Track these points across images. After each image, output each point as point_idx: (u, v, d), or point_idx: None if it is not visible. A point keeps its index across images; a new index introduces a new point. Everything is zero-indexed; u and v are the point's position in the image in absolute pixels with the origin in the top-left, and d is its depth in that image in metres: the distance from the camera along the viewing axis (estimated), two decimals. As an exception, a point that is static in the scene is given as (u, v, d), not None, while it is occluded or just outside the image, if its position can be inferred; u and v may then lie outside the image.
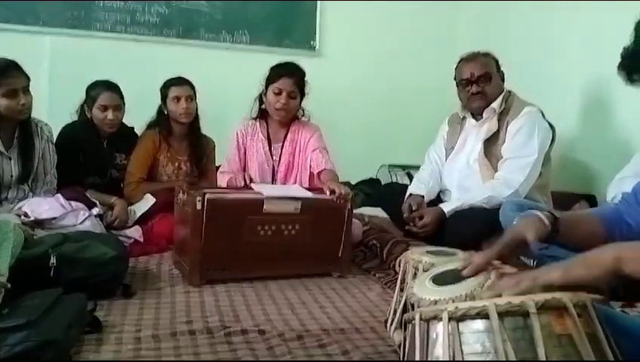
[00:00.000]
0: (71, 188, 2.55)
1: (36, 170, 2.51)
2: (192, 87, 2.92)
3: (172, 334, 1.53)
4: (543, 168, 2.49)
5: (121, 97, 2.80)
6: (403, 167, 3.82)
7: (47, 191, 2.52)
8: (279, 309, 1.80)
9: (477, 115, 2.61)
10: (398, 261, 2.10)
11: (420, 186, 2.68)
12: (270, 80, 2.55)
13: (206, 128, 3.02)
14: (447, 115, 2.84)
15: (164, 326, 1.60)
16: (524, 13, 3.51)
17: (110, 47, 3.54)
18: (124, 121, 2.88)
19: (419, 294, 1.08)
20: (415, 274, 1.37)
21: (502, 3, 3.72)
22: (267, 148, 2.62)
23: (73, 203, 2.39)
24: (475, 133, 2.61)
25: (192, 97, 2.89)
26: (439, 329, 0.88)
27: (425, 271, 1.31)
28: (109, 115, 2.74)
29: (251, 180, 2.46)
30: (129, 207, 2.72)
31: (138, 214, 2.70)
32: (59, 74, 3.43)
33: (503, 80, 2.60)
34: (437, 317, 0.89)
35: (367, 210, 3.16)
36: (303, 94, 2.59)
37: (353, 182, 3.68)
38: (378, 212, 3.03)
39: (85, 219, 2.34)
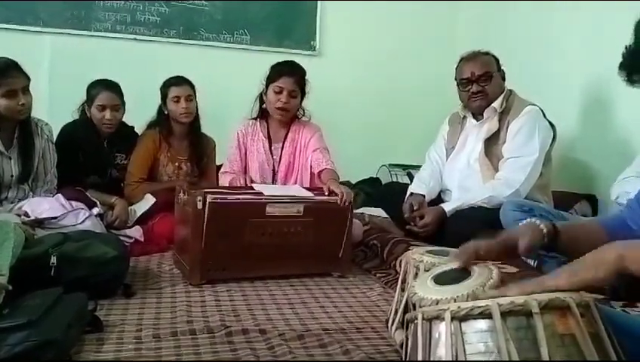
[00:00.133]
0: (71, 187, 2.55)
1: (36, 170, 2.51)
2: (192, 87, 2.92)
3: (173, 334, 1.53)
4: (543, 168, 2.49)
5: (121, 97, 2.80)
6: (403, 167, 3.82)
7: (48, 191, 2.52)
8: (280, 309, 1.80)
9: (477, 114, 2.61)
10: (398, 261, 2.10)
11: (420, 186, 2.67)
12: (271, 79, 2.55)
13: (206, 128, 3.02)
14: (447, 115, 2.83)
15: (164, 325, 1.60)
16: (524, 13, 3.50)
17: (110, 46, 3.54)
18: (124, 120, 2.88)
19: (420, 294, 1.08)
20: (416, 273, 1.36)
21: (502, 3, 3.72)
22: (267, 148, 2.62)
23: (73, 202, 2.39)
24: (475, 132, 2.61)
25: (192, 97, 2.89)
26: (442, 329, 0.88)
27: (426, 270, 1.31)
28: (107, 114, 2.74)
29: (252, 181, 2.46)
30: (129, 207, 2.72)
31: (138, 214, 2.70)
32: (59, 74, 3.42)
33: (503, 79, 2.59)
34: (439, 317, 0.89)
35: (368, 210, 3.16)
36: (303, 93, 2.59)
37: (353, 182, 3.68)
38: (379, 212, 3.03)
39: (86, 218, 2.34)
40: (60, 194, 2.43)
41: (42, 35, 3.44)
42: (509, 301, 0.84)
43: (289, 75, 2.52)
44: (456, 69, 2.64)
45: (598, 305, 0.90)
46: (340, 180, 2.47)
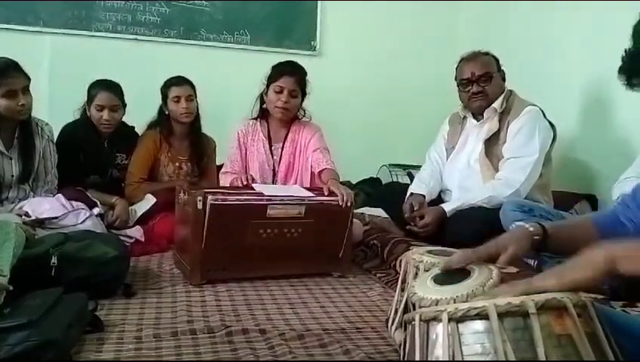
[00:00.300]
0: (72, 187, 2.56)
1: (37, 170, 2.51)
2: (193, 87, 2.92)
3: (173, 334, 1.53)
4: (543, 168, 2.49)
5: (121, 98, 2.80)
6: (403, 167, 3.83)
7: (48, 191, 2.52)
8: (280, 309, 1.81)
9: (478, 114, 2.61)
10: (398, 261, 2.11)
11: (420, 186, 2.67)
12: (271, 78, 2.55)
13: (207, 128, 3.03)
14: (447, 115, 2.84)
15: (165, 325, 1.60)
16: (524, 13, 3.51)
17: (111, 47, 3.55)
18: (124, 120, 2.88)
19: (420, 294, 1.08)
20: (416, 273, 1.37)
21: (502, 3, 3.72)
22: (267, 148, 2.62)
23: (74, 202, 2.40)
24: (475, 132, 2.61)
25: (192, 97, 2.89)
26: (439, 330, 0.88)
27: (426, 270, 1.31)
28: (105, 115, 2.74)
29: (253, 180, 2.46)
30: (130, 207, 2.72)
31: (139, 214, 2.70)
32: (59, 74, 3.43)
33: (503, 79, 2.59)
34: (436, 318, 0.89)
35: (368, 210, 3.16)
36: (304, 93, 2.59)
37: (354, 182, 3.69)
38: (379, 212, 3.03)
39: (86, 218, 2.35)
40: (60, 194, 2.43)
41: (42, 35, 3.44)
42: (506, 301, 0.84)
43: (290, 74, 2.52)
44: (456, 69, 2.64)
45: (596, 305, 0.90)
46: (340, 180, 2.48)
